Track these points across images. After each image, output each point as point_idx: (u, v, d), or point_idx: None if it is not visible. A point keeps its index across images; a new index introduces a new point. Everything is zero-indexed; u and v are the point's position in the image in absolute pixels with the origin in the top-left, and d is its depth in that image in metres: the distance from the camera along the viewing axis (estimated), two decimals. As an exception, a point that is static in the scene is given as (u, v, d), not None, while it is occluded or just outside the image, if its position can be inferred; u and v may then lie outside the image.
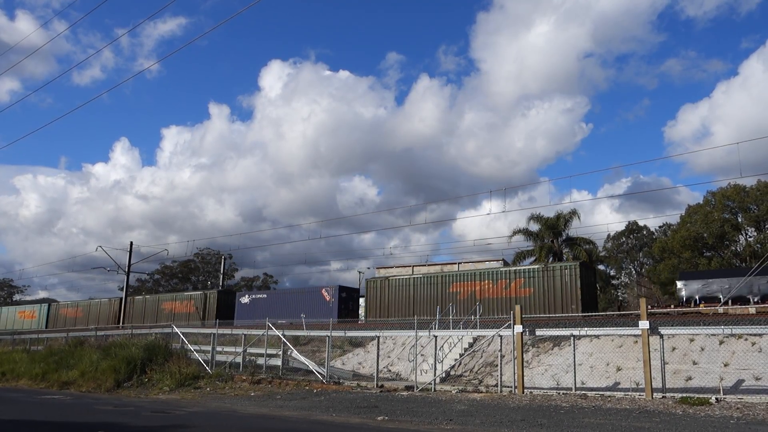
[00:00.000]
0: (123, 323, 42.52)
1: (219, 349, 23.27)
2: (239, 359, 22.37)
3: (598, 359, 18.28)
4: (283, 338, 21.66)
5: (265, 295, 40.13)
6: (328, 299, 34.52)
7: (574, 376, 16.24)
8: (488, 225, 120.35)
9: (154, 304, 45.31)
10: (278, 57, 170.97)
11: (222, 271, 58.37)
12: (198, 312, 40.65)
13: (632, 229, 62.28)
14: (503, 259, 42.12)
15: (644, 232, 62.09)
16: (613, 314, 26.45)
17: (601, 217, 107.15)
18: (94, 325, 40.38)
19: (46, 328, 50.17)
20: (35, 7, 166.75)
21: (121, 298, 46.67)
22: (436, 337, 19.22)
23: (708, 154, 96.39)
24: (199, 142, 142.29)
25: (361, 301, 36.21)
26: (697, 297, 29.50)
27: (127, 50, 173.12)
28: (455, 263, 43.12)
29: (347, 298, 35.17)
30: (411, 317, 26.86)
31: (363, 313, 34.70)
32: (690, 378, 16.02)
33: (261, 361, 21.85)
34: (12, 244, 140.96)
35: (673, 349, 17.23)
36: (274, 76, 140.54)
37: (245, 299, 39.66)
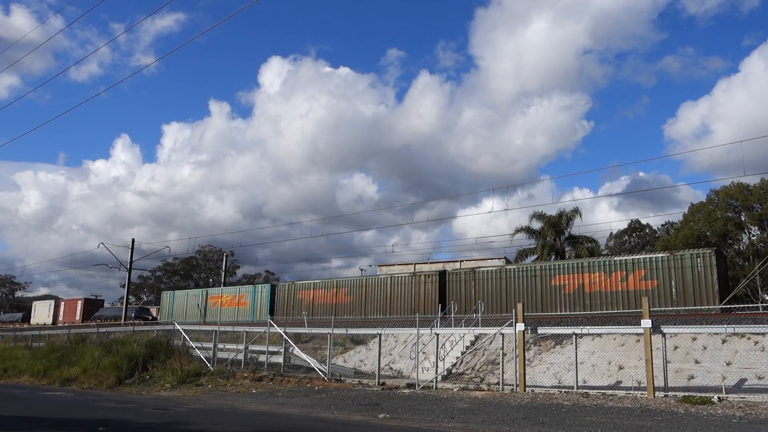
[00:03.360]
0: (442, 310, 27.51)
1: (221, 346, 23.30)
2: (241, 356, 22.39)
3: (600, 358, 18.25)
4: (285, 335, 21.67)
5: None
6: None
7: (576, 374, 16.22)
8: (488, 223, 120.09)
9: (544, 279, 26.53)
10: (278, 53, 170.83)
11: (224, 269, 58.38)
12: (673, 289, 22.87)
13: (635, 227, 62.16)
14: (505, 257, 42.07)
15: (647, 231, 61.97)
16: (615, 313, 26.38)
17: (602, 215, 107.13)
18: (390, 314, 29.71)
19: (271, 316, 32.03)
20: (30, 2, 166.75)
21: (441, 272, 31.00)
22: (437, 335, 19.20)
23: (708, 152, 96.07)
24: (198, 139, 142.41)
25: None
26: None
27: (124, 45, 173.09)
28: (457, 261, 43.08)
29: None
30: None
31: None
32: (692, 377, 15.99)
33: (262, 358, 21.87)
34: (12, 240, 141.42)
35: (676, 347, 17.19)
36: (273, 73, 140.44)
37: None
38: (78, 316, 58.07)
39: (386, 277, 33.03)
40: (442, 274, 30.44)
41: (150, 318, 51.06)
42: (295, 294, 36.40)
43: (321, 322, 27.39)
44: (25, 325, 57.30)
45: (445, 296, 29.41)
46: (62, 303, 63.81)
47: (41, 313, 63.96)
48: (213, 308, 41.26)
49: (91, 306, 60.65)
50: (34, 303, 65.83)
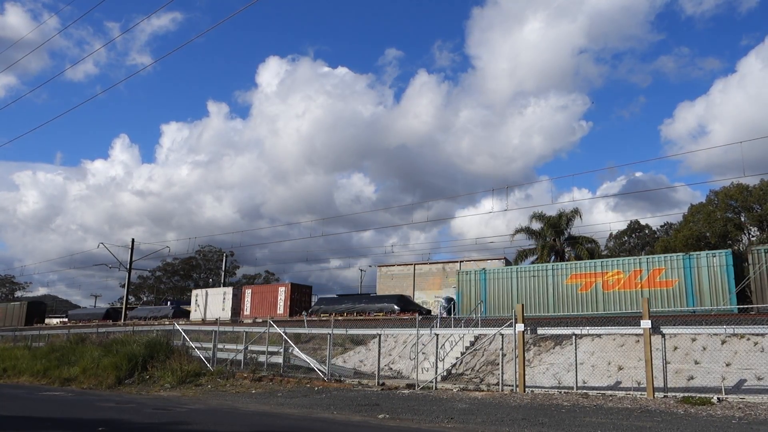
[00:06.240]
0: None
1: (220, 346, 23.29)
2: (240, 357, 22.38)
3: (599, 358, 18.25)
4: (285, 336, 21.67)
5: None
6: None
7: (576, 375, 16.22)
8: (487, 223, 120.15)
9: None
10: (276, 53, 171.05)
11: (224, 269, 58.35)
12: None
13: (634, 228, 62.23)
14: (504, 258, 42.03)
15: (646, 231, 62.03)
16: (616, 314, 26.33)
17: (600, 216, 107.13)
18: None
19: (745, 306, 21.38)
20: (25, 1, 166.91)
21: None
22: (437, 335, 19.19)
23: (705, 153, 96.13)
24: (196, 140, 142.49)
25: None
26: None
27: (120, 45, 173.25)
28: (457, 261, 42.99)
29: None
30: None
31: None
32: (692, 377, 15.99)
33: (262, 358, 21.86)
34: (11, 240, 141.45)
35: (675, 348, 17.19)
36: (271, 73, 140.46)
37: None
38: (281, 309, 40.60)
39: None
40: None
41: (424, 311, 34.23)
42: None
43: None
44: (182, 322, 35.96)
45: None
46: (247, 291, 44.54)
47: (212, 305, 45.56)
48: (583, 292, 27.02)
49: (299, 294, 42.00)
50: (196, 292, 48.62)
